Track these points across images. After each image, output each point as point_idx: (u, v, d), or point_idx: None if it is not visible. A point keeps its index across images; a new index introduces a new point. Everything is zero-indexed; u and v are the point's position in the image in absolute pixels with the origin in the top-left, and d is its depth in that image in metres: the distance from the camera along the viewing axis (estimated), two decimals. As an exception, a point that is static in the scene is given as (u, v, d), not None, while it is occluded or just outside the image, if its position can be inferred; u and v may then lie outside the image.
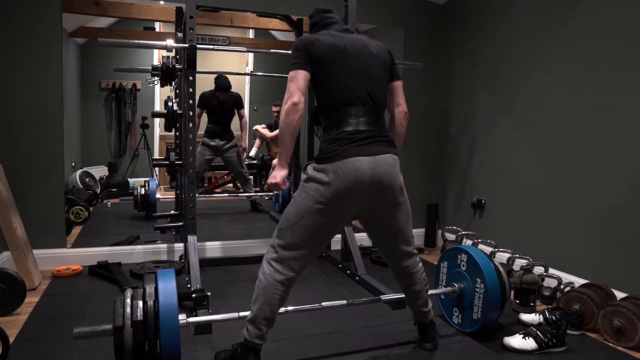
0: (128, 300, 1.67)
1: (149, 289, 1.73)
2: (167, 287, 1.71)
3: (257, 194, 5.08)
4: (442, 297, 2.47)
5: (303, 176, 1.83)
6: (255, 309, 1.81)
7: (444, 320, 2.44)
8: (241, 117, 4.91)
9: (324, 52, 1.78)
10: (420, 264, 2.06)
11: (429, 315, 2.11)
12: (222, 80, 4.65)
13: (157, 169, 5.94)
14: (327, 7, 2.03)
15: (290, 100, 1.73)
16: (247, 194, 4.99)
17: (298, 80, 1.75)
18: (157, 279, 1.75)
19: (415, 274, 2.03)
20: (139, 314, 1.64)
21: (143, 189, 4.26)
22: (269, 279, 1.79)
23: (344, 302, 2.18)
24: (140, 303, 1.67)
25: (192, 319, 1.88)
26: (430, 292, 2.23)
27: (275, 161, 1.87)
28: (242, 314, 1.94)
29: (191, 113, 2.72)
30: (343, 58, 1.80)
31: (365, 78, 1.83)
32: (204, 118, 4.75)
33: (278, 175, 1.83)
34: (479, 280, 2.21)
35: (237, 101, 4.85)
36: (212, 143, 4.72)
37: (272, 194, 5.04)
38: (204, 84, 6.03)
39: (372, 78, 1.85)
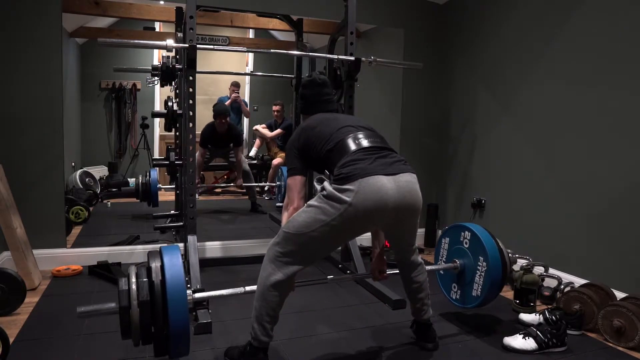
0: (133, 279, 1.63)
1: (155, 265, 1.69)
2: (173, 262, 1.69)
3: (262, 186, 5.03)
4: (441, 272, 2.48)
5: (318, 187, 1.82)
6: (257, 305, 1.82)
7: (438, 311, 2.47)
8: (235, 154, 4.81)
9: (312, 135, 1.90)
10: (421, 258, 2.11)
11: (429, 311, 2.13)
12: (218, 106, 4.63)
13: (157, 168, 5.93)
14: (323, 79, 2.11)
15: (291, 207, 1.88)
16: (247, 185, 4.98)
17: (296, 187, 1.90)
18: (162, 255, 1.72)
19: (418, 266, 2.09)
20: (145, 294, 1.61)
21: (144, 178, 4.23)
22: (268, 278, 1.80)
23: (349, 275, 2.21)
24: (146, 281, 1.63)
25: (197, 295, 1.90)
26: (431, 267, 2.28)
27: None
28: (247, 288, 1.96)
29: (191, 113, 2.72)
30: (330, 119, 1.95)
31: (355, 121, 1.95)
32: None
33: None
34: (481, 258, 2.22)
35: (237, 139, 4.79)
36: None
37: (274, 186, 5.04)
38: (204, 83, 6.05)
39: (362, 122, 1.96)
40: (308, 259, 1.82)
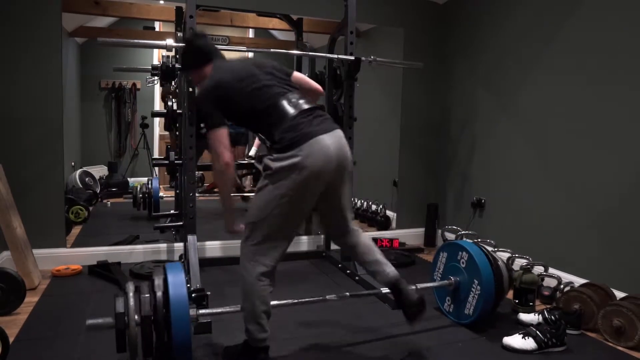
0: (132, 303, 1.64)
1: (157, 281, 1.70)
2: (177, 280, 1.70)
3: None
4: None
5: (260, 167, 1.83)
6: (248, 306, 1.82)
7: (438, 311, 2.51)
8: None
9: (228, 90, 1.86)
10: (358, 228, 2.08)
11: (394, 271, 2.00)
12: None
13: (156, 168, 5.93)
14: (201, 33, 2.14)
15: (222, 160, 1.83)
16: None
17: (222, 139, 1.84)
18: (165, 272, 1.73)
19: (365, 240, 2.04)
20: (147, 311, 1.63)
21: (145, 188, 4.22)
22: (253, 274, 1.80)
23: (347, 294, 2.22)
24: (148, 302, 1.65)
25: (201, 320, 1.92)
26: (427, 284, 2.31)
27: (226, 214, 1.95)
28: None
29: (191, 113, 2.72)
30: (246, 78, 1.87)
31: (270, 75, 1.91)
32: None
33: (230, 220, 1.99)
34: (476, 281, 2.23)
35: None
36: None
37: None
38: (204, 83, 6.04)
39: (277, 74, 1.94)
40: (282, 238, 1.83)
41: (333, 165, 1.78)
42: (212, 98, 1.86)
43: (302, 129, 1.76)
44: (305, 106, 1.83)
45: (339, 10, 3.11)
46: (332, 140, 1.79)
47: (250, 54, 3.35)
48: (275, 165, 1.74)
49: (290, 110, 1.81)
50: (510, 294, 2.71)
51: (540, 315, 2.32)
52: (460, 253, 2.35)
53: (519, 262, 2.85)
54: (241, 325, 1.88)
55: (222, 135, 1.84)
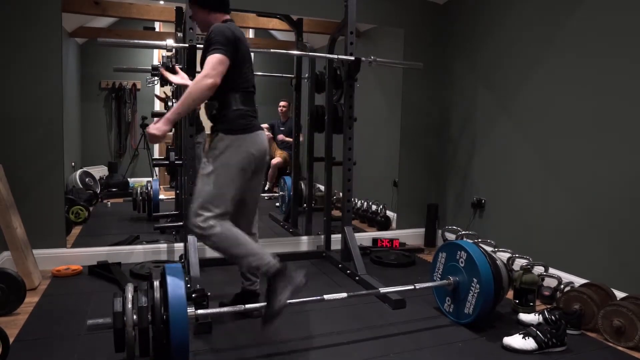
0: (130, 303, 1.66)
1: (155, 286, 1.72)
2: (176, 280, 1.72)
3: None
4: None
5: (206, 147, 2.09)
6: (240, 251, 2.01)
7: (438, 311, 2.49)
8: None
9: (242, 50, 2.11)
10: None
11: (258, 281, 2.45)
12: None
13: (156, 168, 5.94)
14: None
15: (212, 80, 1.96)
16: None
17: (222, 67, 2.00)
18: (165, 272, 1.75)
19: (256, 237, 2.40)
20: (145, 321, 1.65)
21: (145, 190, 4.24)
22: (225, 230, 2.02)
23: (344, 294, 2.24)
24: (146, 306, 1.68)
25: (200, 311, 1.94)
26: (426, 284, 2.36)
27: (167, 116, 1.95)
28: (248, 306, 2.01)
29: (190, 113, 2.72)
30: (248, 55, 2.19)
31: (250, 74, 2.21)
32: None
33: (162, 129, 1.94)
34: (475, 280, 2.23)
35: None
36: None
37: (277, 194, 5.03)
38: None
39: (251, 75, 2.24)
40: (231, 202, 2.08)
41: (262, 155, 2.18)
42: (234, 40, 2.05)
43: (250, 121, 2.14)
44: (244, 107, 2.14)
45: (339, 11, 3.11)
46: (265, 137, 2.20)
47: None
48: (228, 142, 2.06)
49: (233, 104, 2.11)
50: (510, 294, 2.72)
51: (540, 315, 2.32)
52: (459, 253, 2.36)
53: (519, 262, 2.85)
54: (242, 326, 1.88)
55: (225, 63, 2.00)
